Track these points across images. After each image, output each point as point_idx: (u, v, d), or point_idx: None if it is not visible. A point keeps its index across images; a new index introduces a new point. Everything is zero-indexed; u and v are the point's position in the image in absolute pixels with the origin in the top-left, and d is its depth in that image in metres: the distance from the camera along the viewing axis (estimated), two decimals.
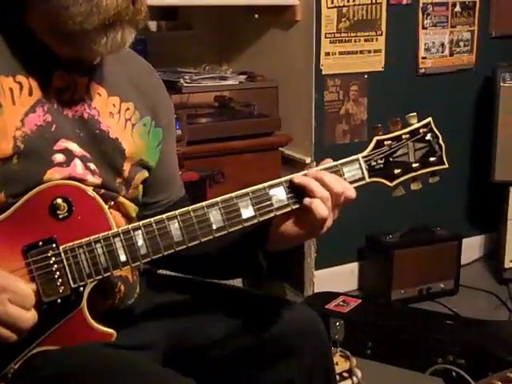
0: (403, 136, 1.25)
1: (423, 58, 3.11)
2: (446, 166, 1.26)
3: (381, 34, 2.96)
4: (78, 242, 1.15)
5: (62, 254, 1.15)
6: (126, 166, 1.29)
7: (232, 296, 1.44)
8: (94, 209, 1.18)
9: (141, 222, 1.18)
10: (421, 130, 1.25)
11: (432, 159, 1.26)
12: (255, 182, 1.21)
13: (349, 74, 2.93)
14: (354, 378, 2.32)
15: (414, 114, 1.26)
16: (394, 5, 2.97)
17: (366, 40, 2.93)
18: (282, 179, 1.20)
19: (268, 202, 1.19)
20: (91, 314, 1.18)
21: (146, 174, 1.34)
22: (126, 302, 1.32)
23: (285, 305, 1.38)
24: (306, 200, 1.18)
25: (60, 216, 1.16)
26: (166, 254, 1.18)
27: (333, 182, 1.19)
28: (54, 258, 1.15)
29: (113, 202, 1.26)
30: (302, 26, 2.86)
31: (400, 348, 2.48)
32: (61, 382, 1.14)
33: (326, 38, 2.83)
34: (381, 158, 1.24)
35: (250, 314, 1.36)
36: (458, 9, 3.15)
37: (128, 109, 1.30)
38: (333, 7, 2.82)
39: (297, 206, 1.20)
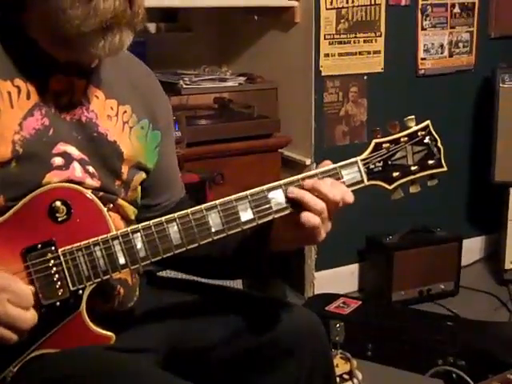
0: (402, 139, 1.25)
1: (422, 59, 3.11)
2: (445, 169, 1.26)
3: (380, 35, 2.96)
4: (77, 244, 1.15)
5: (61, 257, 1.15)
6: (124, 169, 1.29)
7: (232, 298, 1.44)
8: (92, 211, 1.18)
9: (140, 225, 1.18)
10: (419, 133, 1.25)
11: (430, 162, 1.26)
12: (255, 184, 1.21)
13: (348, 76, 2.93)
14: (355, 380, 2.32)
15: (413, 116, 1.26)
16: (393, 6, 2.97)
17: (365, 41, 2.93)
18: (281, 182, 1.20)
19: (267, 205, 1.19)
20: (90, 317, 1.17)
21: (143, 175, 1.34)
22: (125, 305, 1.32)
23: (284, 307, 1.38)
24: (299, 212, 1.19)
25: (59, 219, 1.16)
26: (164, 256, 1.18)
27: (330, 191, 1.18)
28: (53, 261, 1.15)
29: (112, 205, 1.27)
30: (301, 28, 2.86)
31: (400, 349, 2.48)
32: None
33: (325, 39, 2.83)
34: (379, 161, 1.24)
35: (249, 316, 1.36)
36: (457, 10, 3.15)
37: (125, 111, 1.30)
38: (332, 8, 2.82)
39: (295, 208, 1.20)
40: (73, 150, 1.21)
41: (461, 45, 3.19)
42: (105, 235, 1.16)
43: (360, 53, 2.93)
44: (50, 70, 1.20)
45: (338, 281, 3.04)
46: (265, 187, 1.20)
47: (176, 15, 3.20)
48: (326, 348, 1.41)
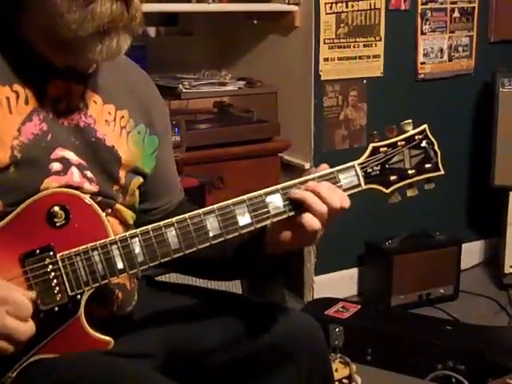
0: (399, 143, 1.25)
1: (422, 63, 3.12)
2: (442, 172, 1.27)
3: (380, 40, 2.96)
4: (76, 249, 1.15)
5: (60, 262, 1.15)
6: (122, 174, 1.29)
7: (230, 303, 1.44)
8: (91, 216, 1.18)
9: (138, 230, 1.18)
10: (416, 137, 1.26)
11: (427, 166, 1.26)
12: (255, 188, 1.21)
13: (348, 80, 2.94)
14: None
15: (410, 120, 1.26)
16: (393, 10, 2.97)
17: (364, 45, 2.93)
18: (279, 186, 1.21)
19: (265, 209, 1.20)
20: (89, 321, 1.17)
21: (140, 179, 1.34)
22: (124, 310, 1.32)
23: (283, 311, 1.38)
24: (299, 214, 1.19)
25: (57, 224, 1.16)
26: (162, 261, 1.18)
27: (330, 197, 1.19)
28: (51, 266, 1.15)
29: (110, 210, 1.26)
30: (301, 32, 2.87)
31: (400, 354, 2.48)
32: None
33: (324, 43, 2.84)
34: (377, 165, 1.25)
35: (248, 321, 1.36)
36: (456, 14, 3.15)
37: (123, 117, 1.30)
38: (331, 13, 2.83)
39: (293, 212, 1.20)
40: (71, 155, 1.21)
41: (460, 49, 3.20)
42: (103, 240, 1.16)
43: (360, 57, 2.94)
44: (47, 75, 1.20)
45: (338, 285, 3.04)
46: (262, 191, 1.20)
47: (176, 19, 3.21)
48: (325, 352, 1.41)
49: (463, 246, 3.10)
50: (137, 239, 1.16)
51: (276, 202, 1.20)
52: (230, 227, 1.19)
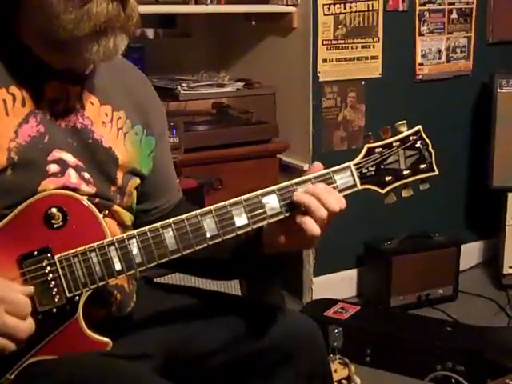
0: (394, 143, 1.26)
1: (420, 64, 3.12)
2: (436, 172, 1.27)
3: (378, 41, 2.96)
4: (73, 251, 1.15)
5: (57, 264, 1.15)
6: (119, 175, 1.29)
7: (229, 304, 1.44)
8: (88, 218, 1.18)
9: (135, 231, 1.18)
10: (411, 138, 1.26)
11: (422, 166, 1.27)
12: (253, 189, 1.22)
13: (346, 81, 2.94)
14: None
15: (404, 121, 1.27)
16: (391, 11, 2.97)
17: (363, 46, 2.93)
18: (275, 187, 1.21)
19: (261, 210, 1.20)
20: (87, 323, 1.18)
21: (137, 180, 1.35)
22: (122, 311, 1.32)
23: (281, 313, 1.38)
24: (298, 218, 1.19)
25: (55, 225, 1.16)
26: (160, 262, 1.18)
27: (329, 200, 1.19)
28: (49, 268, 1.15)
29: (107, 211, 1.27)
30: (299, 33, 2.87)
31: (399, 355, 2.48)
32: None
33: (323, 44, 2.84)
34: (372, 166, 1.25)
35: (246, 322, 1.36)
36: (454, 15, 3.16)
37: (120, 118, 1.31)
38: (330, 14, 2.83)
39: (289, 213, 1.21)
40: (68, 157, 1.21)
41: (458, 50, 3.20)
42: (101, 241, 1.16)
43: (358, 58, 2.94)
44: (44, 76, 1.20)
45: (337, 286, 3.04)
46: (259, 192, 1.21)
47: (174, 21, 3.21)
48: (324, 353, 1.41)
49: (462, 246, 3.10)
50: (134, 240, 1.17)
51: (272, 202, 1.20)
52: (226, 228, 1.19)
